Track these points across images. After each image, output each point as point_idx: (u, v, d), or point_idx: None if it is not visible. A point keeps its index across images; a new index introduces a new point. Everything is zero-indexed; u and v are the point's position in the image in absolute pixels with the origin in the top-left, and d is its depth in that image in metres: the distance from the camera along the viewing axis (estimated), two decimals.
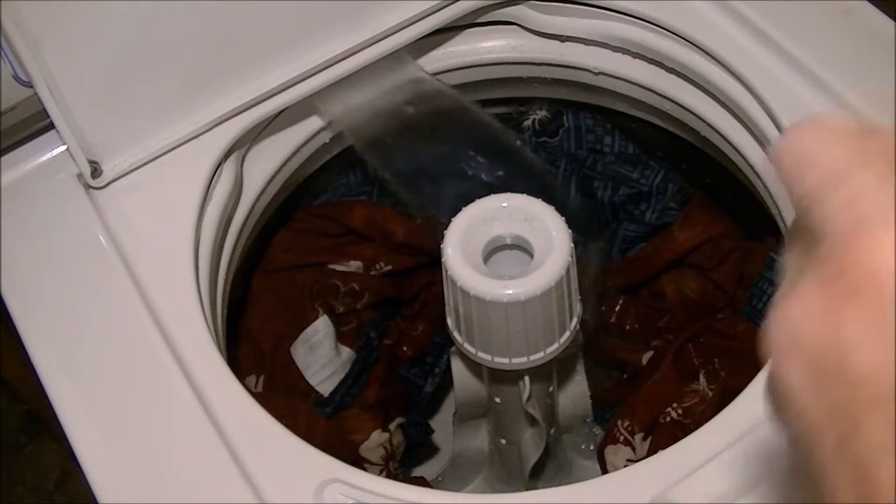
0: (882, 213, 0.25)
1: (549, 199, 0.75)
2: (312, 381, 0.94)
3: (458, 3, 0.84)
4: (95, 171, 0.74)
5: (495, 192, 0.75)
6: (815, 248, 0.27)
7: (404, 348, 1.02)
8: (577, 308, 0.76)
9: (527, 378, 0.80)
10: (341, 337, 0.96)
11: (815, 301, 0.26)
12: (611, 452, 0.87)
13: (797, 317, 0.26)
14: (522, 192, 0.75)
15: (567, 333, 0.76)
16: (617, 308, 1.03)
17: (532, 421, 0.86)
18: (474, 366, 0.84)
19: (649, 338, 1.02)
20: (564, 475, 0.98)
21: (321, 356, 0.94)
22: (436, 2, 0.82)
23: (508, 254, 0.76)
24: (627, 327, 1.03)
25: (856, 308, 0.25)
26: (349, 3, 0.78)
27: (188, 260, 0.72)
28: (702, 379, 0.91)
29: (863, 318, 0.25)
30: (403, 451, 0.93)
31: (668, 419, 0.88)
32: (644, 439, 0.87)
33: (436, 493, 0.76)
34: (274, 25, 0.77)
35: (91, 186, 0.75)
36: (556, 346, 0.76)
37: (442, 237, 0.73)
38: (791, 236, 0.30)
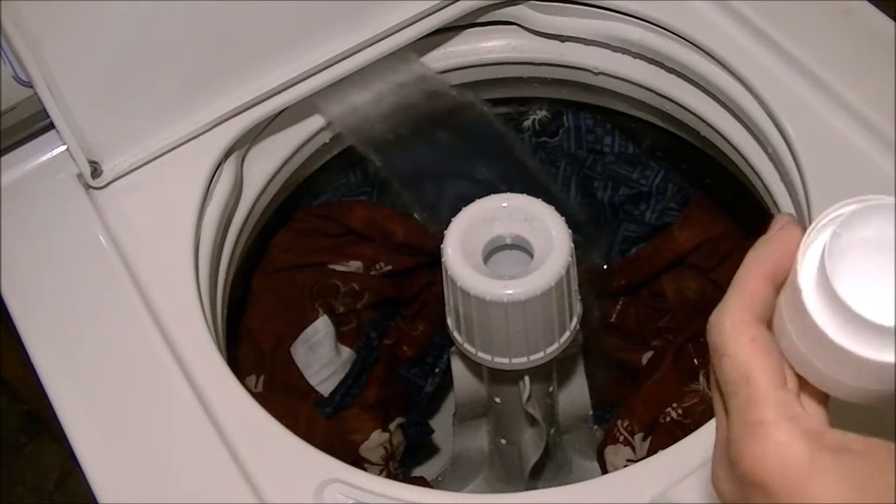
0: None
1: (549, 199, 0.75)
2: (312, 381, 0.94)
3: (458, 3, 0.84)
4: (95, 171, 0.74)
5: (495, 192, 0.75)
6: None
7: (404, 348, 1.02)
8: (577, 308, 0.76)
9: (527, 378, 0.80)
10: (341, 337, 0.96)
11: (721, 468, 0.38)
12: (611, 452, 0.87)
13: (715, 474, 0.38)
14: (522, 192, 0.75)
15: (567, 333, 0.76)
16: (617, 308, 1.03)
17: (532, 421, 0.86)
18: (474, 366, 0.84)
19: (649, 338, 1.02)
20: (564, 475, 0.98)
21: (321, 356, 0.94)
22: (436, 2, 0.82)
23: (508, 254, 0.76)
24: (627, 327, 1.03)
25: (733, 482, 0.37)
26: (349, 3, 0.78)
27: (188, 260, 0.72)
28: (702, 379, 0.91)
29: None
30: (403, 451, 0.93)
31: (667, 419, 0.88)
32: (644, 439, 0.87)
33: (436, 493, 0.76)
34: (274, 25, 0.77)
35: (91, 186, 0.75)
36: (556, 346, 0.76)
37: (442, 237, 0.73)
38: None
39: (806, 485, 0.34)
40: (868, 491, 0.34)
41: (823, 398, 0.38)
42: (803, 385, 0.38)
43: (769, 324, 0.38)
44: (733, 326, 0.37)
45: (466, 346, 0.76)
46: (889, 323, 0.34)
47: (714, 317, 0.38)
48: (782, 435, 0.35)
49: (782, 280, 0.37)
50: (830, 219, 0.37)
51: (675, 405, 0.89)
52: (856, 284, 0.35)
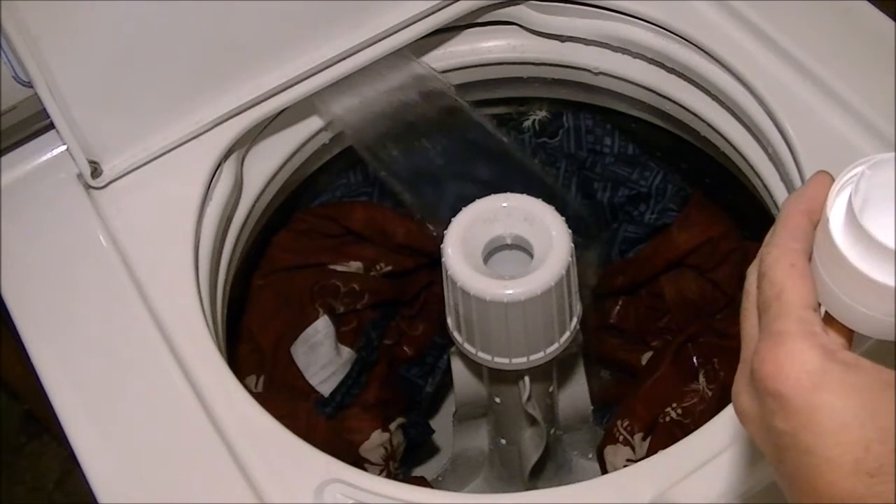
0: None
1: (548, 199, 0.75)
2: (313, 381, 0.94)
3: (458, 3, 0.84)
4: (95, 171, 0.74)
5: (495, 193, 0.75)
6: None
7: (404, 348, 1.02)
8: (577, 308, 0.76)
9: (527, 378, 0.80)
10: (341, 337, 0.96)
11: (742, 381, 0.41)
12: (610, 452, 0.87)
13: (736, 387, 0.41)
14: (522, 192, 0.75)
15: (567, 333, 0.76)
16: (617, 308, 1.03)
17: (532, 421, 0.86)
18: (474, 366, 0.84)
19: (649, 338, 1.02)
20: (564, 475, 0.98)
21: (321, 356, 0.94)
22: (436, 2, 0.82)
23: (508, 254, 0.76)
24: (627, 327, 1.03)
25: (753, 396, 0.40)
26: (349, 3, 0.78)
27: (188, 260, 0.72)
28: (701, 379, 0.91)
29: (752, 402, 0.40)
30: (403, 451, 0.93)
31: (667, 419, 0.88)
32: (644, 439, 0.87)
33: (436, 493, 0.76)
34: (274, 25, 0.77)
35: (91, 186, 0.75)
36: (556, 346, 0.76)
37: (442, 237, 0.73)
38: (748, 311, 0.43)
39: (816, 395, 0.36)
40: (873, 407, 0.36)
41: (848, 335, 0.42)
42: (830, 322, 0.41)
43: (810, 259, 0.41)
44: (778, 253, 0.40)
45: (466, 346, 0.76)
46: None
47: (763, 248, 0.42)
48: (799, 344, 0.38)
49: (818, 217, 0.41)
50: (861, 165, 0.40)
51: (674, 405, 0.89)
52: (879, 219, 0.39)
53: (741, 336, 0.42)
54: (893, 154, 0.40)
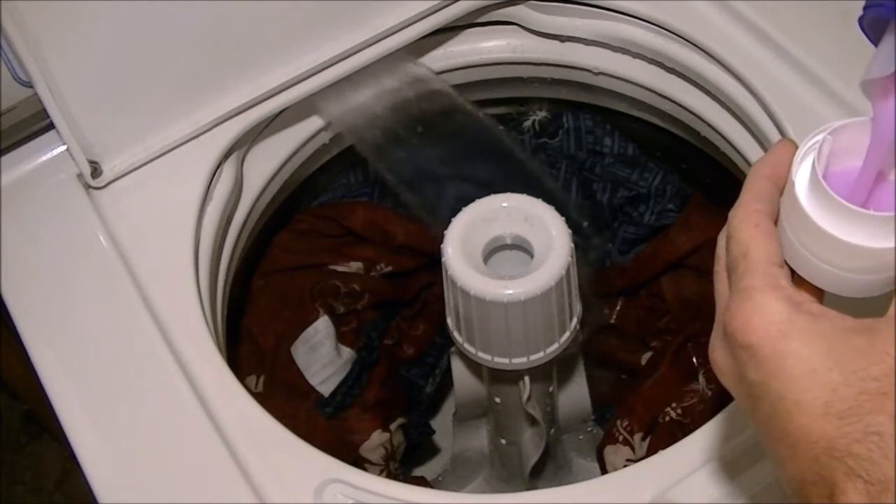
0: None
1: (548, 200, 0.75)
2: (313, 382, 0.94)
3: (458, 3, 0.84)
4: (95, 171, 0.74)
5: (495, 193, 0.75)
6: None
7: (405, 348, 1.02)
8: (577, 308, 0.76)
9: (527, 378, 0.80)
10: (342, 337, 0.96)
11: (716, 338, 0.43)
12: (610, 452, 0.87)
13: (711, 345, 0.43)
14: (522, 193, 0.75)
15: (567, 333, 0.76)
16: (616, 309, 1.03)
17: (532, 421, 0.86)
18: (474, 366, 0.84)
19: (648, 338, 1.02)
20: (564, 475, 0.98)
21: (322, 356, 0.94)
22: (436, 2, 0.82)
23: (508, 254, 0.76)
24: (627, 328, 1.03)
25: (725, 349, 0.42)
26: (349, 3, 0.78)
27: (188, 260, 0.72)
28: (701, 378, 0.91)
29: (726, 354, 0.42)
30: (403, 451, 0.93)
31: (667, 419, 0.88)
32: (643, 439, 0.87)
33: (436, 493, 0.76)
34: (274, 25, 0.77)
35: (91, 186, 0.75)
36: (556, 346, 0.76)
37: (442, 237, 0.73)
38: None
39: (784, 343, 0.38)
40: (839, 353, 0.37)
41: (818, 295, 0.43)
42: (800, 283, 0.43)
43: (776, 221, 0.43)
44: (743, 215, 0.42)
45: (466, 346, 0.76)
46: (862, 209, 0.39)
47: (731, 211, 0.43)
48: (766, 297, 0.39)
49: (783, 182, 0.43)
50: (823, 132, 0.42)
51: (674, 405, 0.89)
52: (842, 180, 0.42)
53: (715, 298, 0.44)
54: (854, 119, 0.42)
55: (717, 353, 0.42)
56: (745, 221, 0.42)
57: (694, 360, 0.93)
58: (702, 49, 0.80)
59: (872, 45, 0.42)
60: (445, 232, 0.73)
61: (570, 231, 0.73)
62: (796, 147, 0.43)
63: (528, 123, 1.02)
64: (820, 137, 0.42)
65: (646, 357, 1.00)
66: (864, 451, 0.36)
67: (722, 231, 0.44)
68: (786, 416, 0.38)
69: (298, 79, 0.79)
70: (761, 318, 0.39)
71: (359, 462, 0.88)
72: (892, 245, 0.39)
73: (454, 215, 0.74)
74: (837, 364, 0.37)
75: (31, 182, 0.76)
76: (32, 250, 0.73)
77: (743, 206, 0.42)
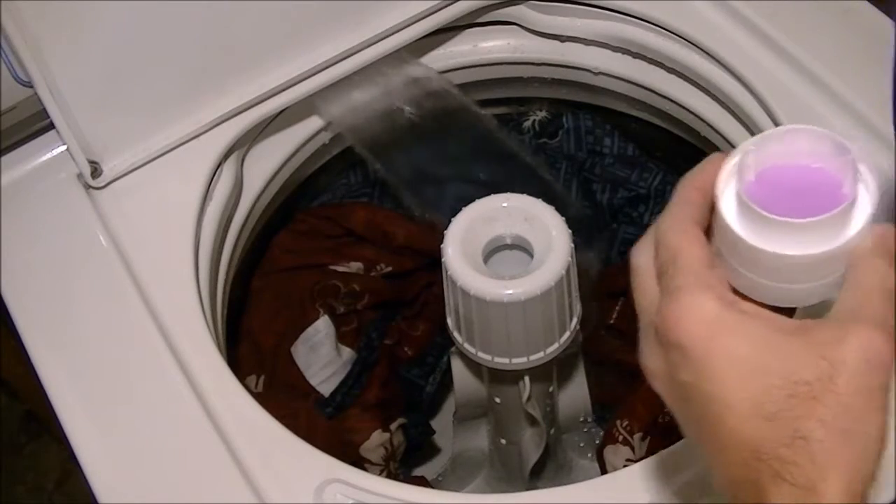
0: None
1: (549, 199, 0.75)
2: (313, 382, 0.94)
3: (458, 3, 0.84)
4: (95, 171, 0.74)
5: (495, 193, 0.75)
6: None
7: (405, 348, 1.02)
8: (577, 308, 0.76)
9: (527, 378, 0.80)
10: (342, 337, 0.96)
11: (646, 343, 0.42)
12: (610, 452, 0.87)
13: (641, 353, 0.43)
14: (522, 193, 0.75)
15: (567, 333, 0.76)
16: (616, 309, 1.03)
17: (532, 421, 0.86)
18: (474, 366, 0.84)
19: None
20: (564, 475, 0.98)
21: (322, 356, 0.94)
22: (436, 2, 0.82)
23: (508, 254, 0.75)
24: (627, 328, 1.03)
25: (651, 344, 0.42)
26: (349, 3, 0.78)
27: (188, 260, 0.72)
28: None
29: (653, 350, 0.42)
30: (404, 451, 0.93)
31: (667, 419, 0.88)
32: (643, 439, 0.87)
33: (436, 493, 0.76)
34: (274, 25, 0.77)
35: (91, 186, 0.75)
36: (556, 346, 0.76)
37: (442, 237, 0.73)
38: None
39: (715, 343, 0.38)
40: (770, 354, 0.37)
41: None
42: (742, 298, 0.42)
43: (706, 231, 0.43)
44: (670, 223, 0.42)
45: (466, 346, 0.76)
46: (779, 217, 0.38)
47: (658, 220, 0.43)
48: (696, 297, 0.39)
49: (710, 194, 0.42)
50: (750, 143, 0.42)
51: None
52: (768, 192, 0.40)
53: (637, 311, 0.43)
54: (780, 128, 0.42)
55: (648, 359, 0.42)
56: (673, 227, 0.42)
57: None
58: (702, 49, 0.80)
59: None
60: (445, 232, 0.73)
61: (570, 231, 0.73)
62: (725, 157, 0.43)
63: (528, 123, 1.02)
64: (747, 149, 0.41)
65: None
66: (790, 455, 0.36)
67: (634, 248, 0.44)
68: (715, 418, 0.38)
69: (298, 79, 0.79)
70: (692, 318, 0.38)
71: (359, 462, 0.88)
72: (819, 251, 0.39)
73: (454, 215, 0.74)
74: (768, 366, 0.37)
75: (31, 182, 0.76)
76: (32, 250, 0.73)
77: (670, 214, 0.42)
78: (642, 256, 0.43)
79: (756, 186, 0.40)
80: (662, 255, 0.41)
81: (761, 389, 0.37)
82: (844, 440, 0.36)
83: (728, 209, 0.41)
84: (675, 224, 0.42)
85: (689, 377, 0.39)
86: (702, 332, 0.38)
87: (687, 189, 0.43)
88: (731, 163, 0.42)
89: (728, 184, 0.41)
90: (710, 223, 0.42)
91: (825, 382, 0.36)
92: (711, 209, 0.42)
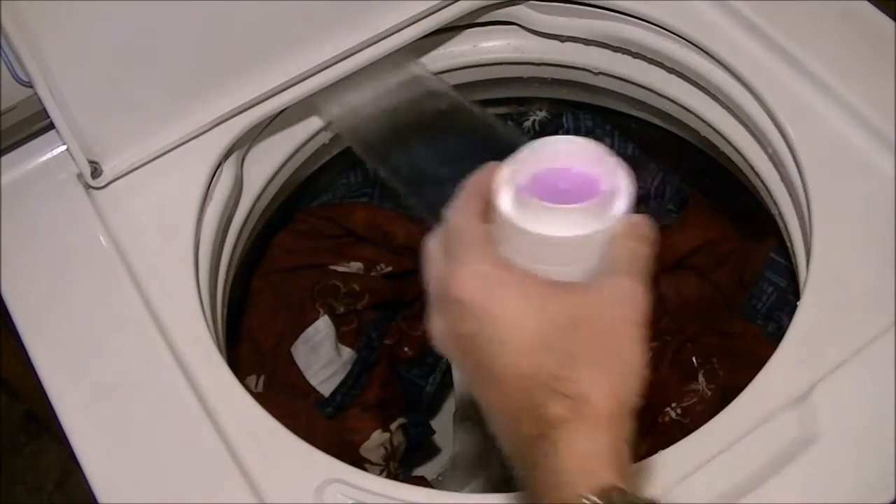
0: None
1: None
2: (313, 382, 0.94)
3: (458, 3, 0.84)
4: (95, 171, 0.74)
5: None
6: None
7: (405, 349, 1.02)
8: None
9: None
10: (342, 337, 0.96)
11: (433, 312, 0.49)
12: None
13: (429, 322, 0.49)
14: None
15: None
16: None
17: None
18: None
19: (648, 339, 1.02)
20: None
21: (322, 356, 0.94)
22: (436, 2, 0.82)
23: None
24: None
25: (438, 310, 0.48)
26: (349, 3, 0.78)
27: (188, 260, 0.72)
28: (700, 379, 0.91)
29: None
30: (404, 451, 0.93)
31: (666, 419, 0.89)
32: (643, 439, 0.87)
33: (436, 493, 0.76)
34: (274, 25, 0.77)
35: (91, 186, 0.75)
36: None
37: None
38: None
39: (492, 295, 0.44)
40: (540, 302, 0.44)
41: None
42: None
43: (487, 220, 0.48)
44: (455, 211, 0.49)
45: None
46: (547, 203, 0.45)
47: (447, 211, 0.49)
48: (478, 261, 0.45)
49: (491, 190, 0.48)
50: (524, 148, 0.48)
51: (674, 405, 0.89)
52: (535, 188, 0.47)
53: (427, 286, 0.49)
54: (550, 138, 0.48)
55: (434, 323, 0.48)
56: (458, 212, 0.48)
57: (693, 360, 0.93)
58: (702, 49, 0.80)
59: None
60: None
61: None
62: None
63: (528, 123, 1.02)
64: (515, 160, 0.48)
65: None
66: (564, 373, 0.42)
67: (428, 237, 0.50)
68: (496, 357, 0.44)
69: (298, 79, 0.79)
70: (473, 277, 0.45)
71: (359, 462, 0.88)
72: (574, 234, 0.45)
73: None
74: (539, 308, 0.44)
75: (31, 182, 0.76)
76: (32, 250, 0.73)
77: (456, 204, 0.49)
78: (433, 242, 0.49)
79: (529, 183, 0.47)
80: (448, 234, 0.48)
81: (535, 327, 0.43)
82: (608, 359, 0.43)
83: (504, 201, 0.47)
84: (459, 211, 0.48)
85: (471, 327, 0.45)
86: (480, 287, 0.45)
87: (470, 185, 0.49)
88: (509, 166, 0.48)
89: (505, 182, 0.47)
90: (490, 216, 0.48)
91: (588, 316, 0.43)
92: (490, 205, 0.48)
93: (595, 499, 0.41)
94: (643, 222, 0.48)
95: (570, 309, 0.44)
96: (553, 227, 0.45)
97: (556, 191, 0.46)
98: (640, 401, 0.44)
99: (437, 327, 0.48)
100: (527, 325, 0.43)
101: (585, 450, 0.42)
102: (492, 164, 0.49)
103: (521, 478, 0.46)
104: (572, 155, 0.48)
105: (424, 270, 0.49)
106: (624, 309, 0.44)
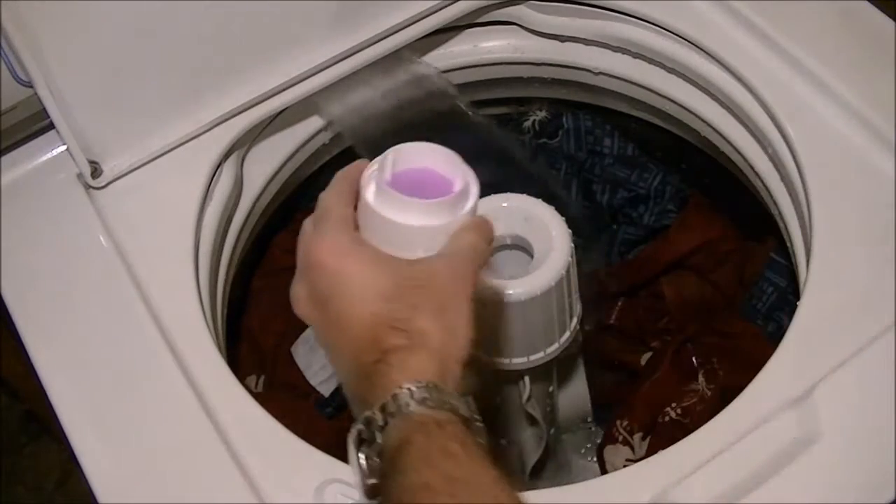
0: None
1: (548, 200, 0.75)
2: (313, 382, 0.94)
3: (458, 3, 0.84)
4: (95, 171, 0.74)
5: (495, 193, 0.75)
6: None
7: None
8: (577, 308, 0.76)
9: (527, 378, 0.80)
10: None
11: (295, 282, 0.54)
12: (610, 452, 0.87)
13: (291, 291, 0.54)
14: (522, 193, 0.75)
15: (567, 333, 0.76)
16: (616, 309, 1.03)
17: (532, 421, 0.86)
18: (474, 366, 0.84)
19: (648, 339, 1.02)
20: (564, 475, 0.98)
21: (322, 356, 0.94)
22: (436, 2, 0.82)
23: (508, 254, 0.76)
24: (627, 328, 1.03)
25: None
26: (349, 4, 0.79)
27: (188, 260, 0.72)
28: (700, 378, 0.91)
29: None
30: None
31: (666, 419, 0.89)
32: (643, 439, 0.88)
33: None
34: (274, 26, 0.77)
35: (91, 186, 0.75)
36: (555, 346, 0.76)
37: None
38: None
39: (346, 258, 0.50)
40: (387, 267, 0.50)
41: None
42: None
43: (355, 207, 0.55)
44: (327, 192, 0.55)
45: None
46: (405, 196, 0.51)
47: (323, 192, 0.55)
48: (336, 231, 0.52)
49: (359, 183, 0.54)
50: (390, 150, 0.54)
51: (673, 405, 0.89)
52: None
53: (297, 259, 0.54)
54: (412, 143, 0.54)
55: (296, 291, 0.53)
56: (329, 194, 0.54)
57: (693, 360, 0.93)
58: (702, 49, 0.80)
59: None
60: None
61: (569, 231, 0.73)
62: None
63: (528, 123, 1.02)
64: (381, 158, 0.53)
65: (645, 357, 1.00)
66: (405, 314, 0.48)
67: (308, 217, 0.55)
68: (348, 308, 0.49)
69: (298, 79, 0.79)
70: (331, 243, 0.51)
71: None
72: (421, 224, 0.51)
73: None
74: (386, 272, 0.50)
75: (31, 182, 0.76)
76: (32, 250, 0.73)
77: (328, 189, 0.55)
78: (307, 220, 0.54)
79: (392, 179, 0.52)
80: (318, 213, 0.53)
81: (381, 285, 0.49)
82: (443, 314, 0.49)
83: (369, 191, 0.53)
84: (329, 194, 0.54)
85: (326, 284, 0.50)
86: (336, 252, 0.51)
87: (342, 175, 0.55)
88: (378, 162, 0.53)
89: (371, 177, 0.53)
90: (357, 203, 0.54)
91: (428, 282, 0.50)
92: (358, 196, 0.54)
93: (411, 386, 0.46)
94: (485, 222, 0.54)
95: (413, 274, 0.50)
96: (407, 217, 0.51)
97: (415, 187, 0.52)
98: (466, 360, 0.50)
99: (298, 291, 0.53)
100: (375, 284, 0.49)
101: (417, 368, 0.47)
102: (363, 160, 0.55)
103: (356, 411, 0.49)
104: (433, 159, 0.54)
105: (298, 244, 0.55)
106: (457, 284, 0.50)
